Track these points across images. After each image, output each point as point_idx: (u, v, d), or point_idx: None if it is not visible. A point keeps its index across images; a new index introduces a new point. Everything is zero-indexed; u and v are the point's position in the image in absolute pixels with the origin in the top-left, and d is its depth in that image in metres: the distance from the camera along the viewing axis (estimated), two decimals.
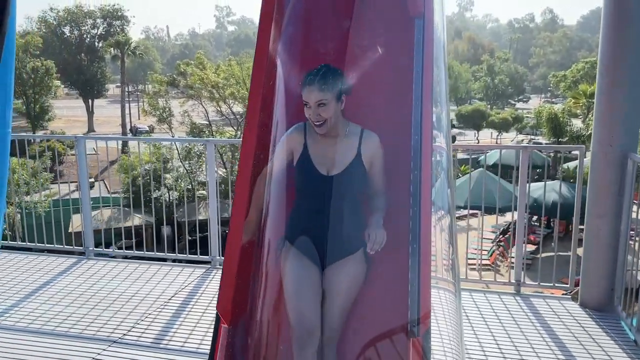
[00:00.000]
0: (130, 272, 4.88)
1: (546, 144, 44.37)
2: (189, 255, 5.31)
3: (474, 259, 16.08)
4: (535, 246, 19.04)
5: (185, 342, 3.61)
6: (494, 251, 19.44)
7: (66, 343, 3.58)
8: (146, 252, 5.26)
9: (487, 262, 17.69)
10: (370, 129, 2.51)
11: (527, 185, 4.23)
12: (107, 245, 5.33)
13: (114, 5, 55.09)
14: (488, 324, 3.82)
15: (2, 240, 5.65)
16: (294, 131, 2.47)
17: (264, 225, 2.59)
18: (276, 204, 2.56)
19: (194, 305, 4.15)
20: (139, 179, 20.98)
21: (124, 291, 4.43)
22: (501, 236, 20.55)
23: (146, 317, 3.95)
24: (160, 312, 4.05)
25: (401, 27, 2.64)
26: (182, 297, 4.35)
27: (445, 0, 2.72)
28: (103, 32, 55.06)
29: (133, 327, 3.81)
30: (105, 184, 31.55)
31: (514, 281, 4.35)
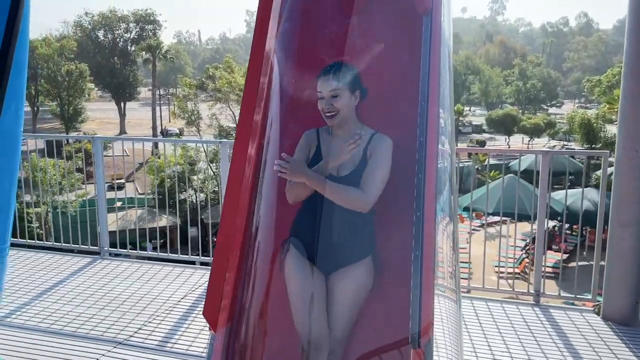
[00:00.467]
0: (142, 273, 4.87)
1: (579, 149, 43.44)
2: (202, 257, 5.27)
3: (503, 266, 15.77)
4: (568, 255, 18.57)
5: (190, 346, 3.56)
6: (523, 259, 19.00)
7: (72, 343, 3.57)
8: (159, 254, 5.25)
9: (517, 270, 17.29)
10: (379, 130, 2.42)
11: (548, 191, 4.05)
12: (130, 246, 5.32)
13: (147, 9, 56.16)
14: (503, 336, 3.66)
15: (34, 239, 5.72)
16: (306, 136, 2.40)
17: (265, 227, 2.52)
18: (280, 205, 2.49)
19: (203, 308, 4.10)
20: (167, 180, 21.23)
21: (134, 292, 4.42)
22: (531, 244, 20.09)
23: (154, 319, 3.92)
24: (168, 314, 4.01)
25: (409, 24, 2.55)
26: (192, 299, 4.31)
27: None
28: (136, 36, 56.15)
29: (140, 328, 3.78)
30: (136, 185, 32.09)
31: (533, 291, 4.18)
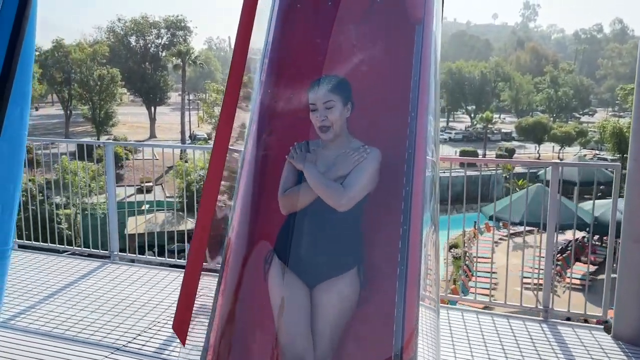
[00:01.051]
0: (149, 277, 4.89)
1: (611, 159, 42.37)
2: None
3: (529, 277, 15.41)
4: (596, 267, 18.11)
5: (187, 354, 3.53)
6: (554, 266, 18.54)
7: (70, 347, 3.59)
8: (167, 259, 5.27)
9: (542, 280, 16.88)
10: (369, 141, 2.38)
11: (558, 202, 3.93)
12: (153, 250, 5.37)
13: (178, 16, 57.08)
14: (506, 353, 3.55)
15: (63, 240, 5.79)
16: (295, 149, 2.37)
17: (249, 237, 2.49)
18: (266, 215, 2.46)
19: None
20: (194, 184, 21.46)
21: (139, 297, 4.44)
22: (559, 255, 19.63)
23: (154, 325, 3.93)
24: (169, 320, 4.01)
25: (400, 34, 2.50)
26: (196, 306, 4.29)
27: (440, 8, 2.54)
28: (167, 42, 57.10)
29: (139, 334, 3.79)
30: (163, 188, 32.54)
31: (541, 307, 4.05)
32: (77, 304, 4.29)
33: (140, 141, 51.99)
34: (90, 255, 5.60)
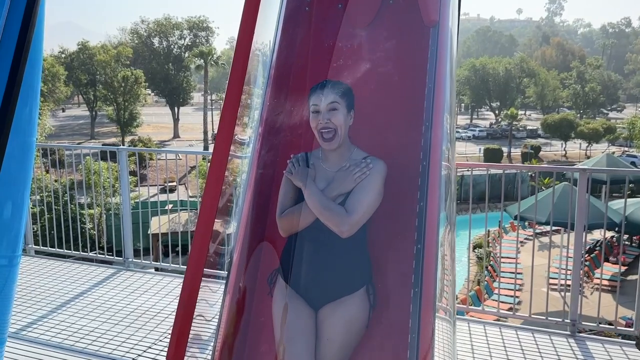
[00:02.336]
0: (163, 285, 4.81)
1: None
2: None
3: (556, 278, 15.07)
4: (627, 267, 17.67)
5: None
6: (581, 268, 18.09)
7: None
8: (181, 266, 5.19)
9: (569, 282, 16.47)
10: (377, 152, 2.22)
11: (587, 209, 3.73)
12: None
13: (200, 16, 57.45)
14: None
15: (86, 240, 5.77)
16: (293, 163, 2.22)
17: (251, 256, 2.37)
18: (271, 233, 2.33)
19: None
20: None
21: (151, 306, 4.36)
22: (587, 255, 19.17)
23: (165, 337, 3.84)
24: None
25: (414, 38, 2.34)
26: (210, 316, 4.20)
27: (456, 8, 2.38)
28: (189, 43, 57.52)
29: (150, 347, 3.70)
30: (187, 188, 32.77)
31: (568, 320, 3.85)
32: (89, 314, 4.22)
33: (163, 141, 52.55)
34: (105, 262, 5.55)
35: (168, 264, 5.28)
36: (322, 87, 2.17)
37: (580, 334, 3.82)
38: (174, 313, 4.19)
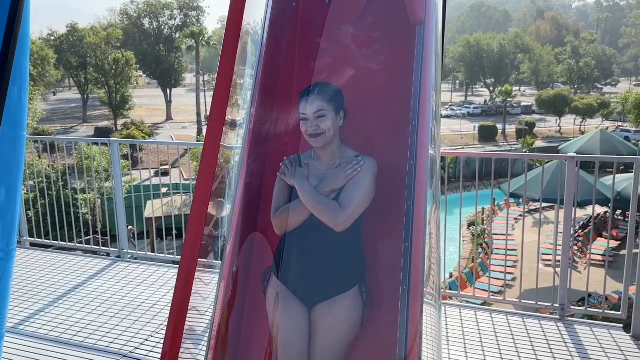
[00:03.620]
0: (159, 276, 4.86)
1: (635, 131, 41.37)
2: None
3: (549, 254, 15.26)
4: (619, 242, 17.87)
5: None
6: (571, 247, 18.30)
7: (78, 354, 3.57)
8: (176, 257, 5.23)
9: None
10: (365, 152, 2.25)
11: (574, 197, 3.77)
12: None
13: None
14: (520, 354, 3.44)
15: (80, 224, 5.79)
16: (286, 164, 2.25)
17: (245, 252, 2.41)
18: (265, 231, 2.37)
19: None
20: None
21: (147, 298, 4.40)
22: (580, 231, 19.36)
23: (162, 330, 3.89)
24: None
25: (400, 36, 2.35)
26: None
27: (441, 5, 2.37)
28: (180, 23, 56.87)
29: (146, 340, 3.75)
30: (181, 172, 32.71)
31: (557, 305, 3.92)
32: (85, 307, 4.27)
33: (156, 124, 52.25)
34: (100, 253, 5.58)
35: (163, 254, 5.32)
36: (309, 94, 2.19)
37: (569, 318, 3.89)
38: (170, 305, 4.25)
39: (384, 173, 2.21)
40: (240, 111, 2.51)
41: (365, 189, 2.13)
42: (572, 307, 3.94)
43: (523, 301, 4.22)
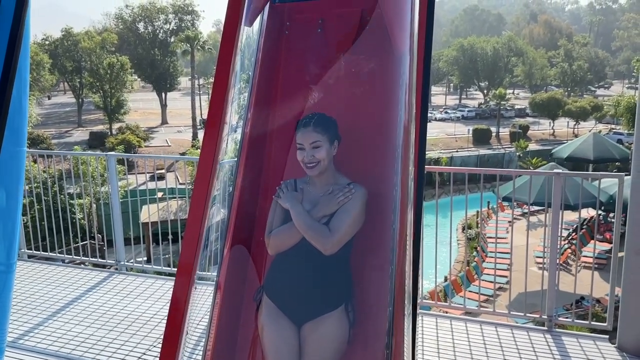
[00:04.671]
0: (156, 288, 4.94)
1: (627, 133, 41.63)
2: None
3: (542, 257, 15.38)
4: (611, 245, 17.99)
5: None
6: (565, 249, 18.44)
7: None
8: (173, 269, 5.31)
9: (559, 261, 16.78)
10: (357, 177, 2.36)
11: (561, 213, 3.88)
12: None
13: (185, 0, 56.72)
14: None
15: (77, 230, 5.86)
16: (282, 188, 2.36)
17: (239, 270, 2.51)
18: (258, 251, 2.47)
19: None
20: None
21: (144, 311, 4.48)
22: (574, 234, 19.51)
23: (158, 343, 3.96)
24: None
25: (387, 66, 2.45)
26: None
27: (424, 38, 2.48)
28: (175, 27, 56.87)
29: (144, 353, 3.84)
30: (177, 176, 32.74)
31: (545, 316, 4.02)
32: (83, 320, 4.34)
33: (151, 128, 52.21)
34: (98, 265, 5.66)
35: (160, 266, 5.39)
36: (305, 125, 2.30)
37: (557, 330, 4.00)
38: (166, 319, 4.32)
39: (374, 197, 2.32)
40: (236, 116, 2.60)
41: (354, 216, 2.24)
42: (560, 319, 4.04)
43: (512, 312, 4.32)
